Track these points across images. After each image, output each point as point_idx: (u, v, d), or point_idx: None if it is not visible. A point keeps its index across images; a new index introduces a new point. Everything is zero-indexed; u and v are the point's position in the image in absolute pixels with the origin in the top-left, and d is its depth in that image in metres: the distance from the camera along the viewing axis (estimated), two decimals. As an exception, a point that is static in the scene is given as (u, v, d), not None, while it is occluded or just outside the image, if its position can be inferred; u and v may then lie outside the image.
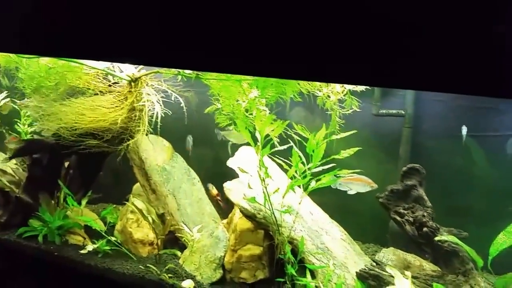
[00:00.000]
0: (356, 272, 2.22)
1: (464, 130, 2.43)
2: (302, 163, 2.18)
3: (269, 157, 2.32)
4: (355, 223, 2.70)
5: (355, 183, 2.33)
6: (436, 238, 2.13)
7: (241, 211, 2.43)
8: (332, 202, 2.66)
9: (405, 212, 2.29)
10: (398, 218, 2.30)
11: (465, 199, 2.53)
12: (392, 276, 2.07)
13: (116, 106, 2.49)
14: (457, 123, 2.53)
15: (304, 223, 2.43)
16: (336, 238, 2.48)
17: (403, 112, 2.53)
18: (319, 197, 2.62)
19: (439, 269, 2.26)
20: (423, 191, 2.31)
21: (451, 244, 2.17)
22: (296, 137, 2.17)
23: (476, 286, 2.12)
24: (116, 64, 2.49)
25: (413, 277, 2.14)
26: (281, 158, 2.25)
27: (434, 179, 2.56)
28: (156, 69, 2.43)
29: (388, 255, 2.47)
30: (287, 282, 2.27)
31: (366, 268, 2.19)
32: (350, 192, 2.36)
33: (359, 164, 2.50)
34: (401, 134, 2.58)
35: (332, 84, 2.10)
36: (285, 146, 2.24)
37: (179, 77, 2.37)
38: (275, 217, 2.29)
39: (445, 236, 2.13)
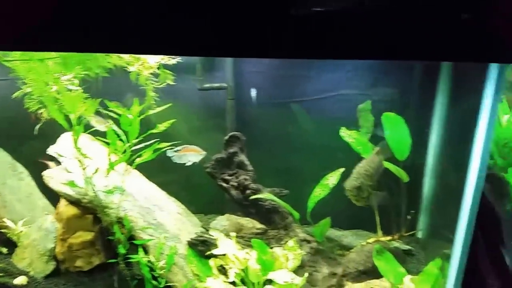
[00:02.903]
0: (187, 241, 2.28)
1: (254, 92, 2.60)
2: (122, 140, 2.15)
3: (101, 140, 2.22)
4: (198, 196, 2.77)
5: (188, 154, 2.38)
6: (252, 197, 2.28)
7: (65, 198, 2.32)
8: (175, 179, 2.69)
9: (230, 178, 2.41)
10: (224, 185, 2.41)
11: (288, 160, 2.74)
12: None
13: None
14: (275, 91, 2.73)
15: (135, 201, 2.41)
16: (172, 212, 2.51)
17: (225, 85, 2.63)
18: (163, 176, 2.64)
19: (265, 227, 2.44)
20: (245, 157, 2.44)
21: (271, 202, 2.35)
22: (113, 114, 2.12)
23: (295, 237, 2.33)
24: None
25: (239, 237, 2.27)
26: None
27: (260, 144, 2.74)
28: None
29: (222, 221, 2.58)
30: (120, 263, 2.24)
31: (195, 236, 2.26)
32: (188, 164, 2.40)
33: (192, 137, 2.56)
34: (226, 106, 2.69)
35: (143, 58, 2.09)
36: (104, 125, 2.18)
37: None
38: (99, 199, 2.23)
39: (262, 194, 2.29)
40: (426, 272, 2.08)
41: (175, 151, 2.31)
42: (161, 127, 2.11)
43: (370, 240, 2.46)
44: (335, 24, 1.33)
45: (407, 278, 2.05)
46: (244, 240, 2.27)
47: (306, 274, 2.09)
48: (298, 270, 2.20)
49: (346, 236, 2.63)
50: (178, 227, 2.42)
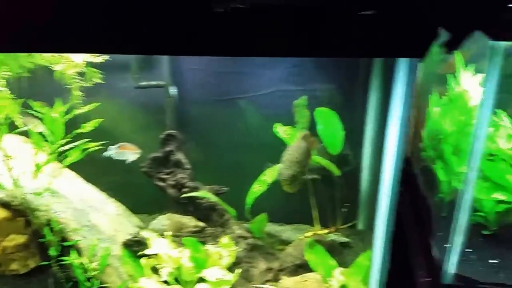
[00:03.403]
0: (122, 242, 2.26)
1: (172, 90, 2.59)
2: (48, 141, 2.10)
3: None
4: (142, 196, 2.73)
5: (126, 153, 2.36)
6: (185, 195, 2.27)
7: (-7, 201, 2.25)
8: (117, 179, 2.66)
9: (167, 177, 2.39)
10: (161, 184, 2.39)
11: (230, 156, 2.75)
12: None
13: None
14: (215, 88, 2.72)
15: (69, 203, 2.36)
16: (109, 214, 2.47)
17: (163, 83, 2.61)
18: (105, 177, 2.60)
19: (203, 224, 2.44)
20: (182, 155, 2.43)
21: (208, 200, 2.35)
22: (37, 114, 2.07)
23: (232, 234, 2.34)
24: None
25: (176, 236, 2.26)
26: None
27: (201, 141, 2.73)
28: None
29: (163, 221, 2.56)
30: (52, 265, 2.20)
31: (130, 237, 2.24)
32: (128, 162, 2.38)
33: (133, 136, 2.53)
34: (165, 104, 2.66)
35: (66, 56, 2.04)
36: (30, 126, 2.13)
37: None
38: (28, 201, 2.18)
39: (197, 192, 2.28)
40: (357, 264, 2.12)
41: (114, 148, 2.30)
42: (88, 126, 2.07)
43: (308, 234, 2.49)
44: (255, 21, 1.34)
45: (338, 271, 2.09)
46: (180, 238, 2.26)
47: (239, 270, 2.10)
48: (234, 267, 2.22)
49: (286, 231, 2.66)
50: (114, 228, 2.39)
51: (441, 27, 1.46)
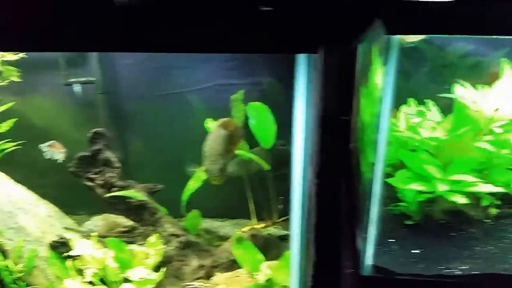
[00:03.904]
0: (49, 243, 2.22)
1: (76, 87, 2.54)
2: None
3: None
4: (81, 197, 2.68)
5: (55, 151, 2.32)
6: (109, 195, 2.24)
7: None
8: (53, 181, 2.61)
9: (95, 176, 2.35)
10: (90, 184, 2.35)
11: (166, 153, 2.71)
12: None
13: None
14: (151, 83, 2.68)
15: (-6, 206, 2.31)
16: (39, 215, 2.42)
17: (93, 79, 2.56)
18: (39, 178, 2.55)
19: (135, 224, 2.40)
20: (111, 153, 2.39)
21: (138, 199, 2.31)
22: None
23: (163, 232, 2.31)
24: None
25: (103, 236, 2.23)
26: None
27: (136, 138, 2.69)
28: None
29: (97, 221, 2.52)
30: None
31: (57, 238, 2.20)
32: (59, 161, 2.34)
33: (69, 133, 2.47)
34: (96, 100, 2.61)
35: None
36: None
37: None
38: None
39: (124, 192, 2.25)
40: (285, 257, 2.11)
41: (44, 147, 2.26)
42: (4, 127, 2.01)
43: (245, 229, 2.49)
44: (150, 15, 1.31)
45: (265, 265, 2.09)
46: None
47: (164, 269, 2.08)
48: (164, 265, 2.19)
49: (224, 227, 2.65)
50: (43, 229, 2.34)
51: (337, 21, 1.45)
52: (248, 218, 2.76)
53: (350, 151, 1.84)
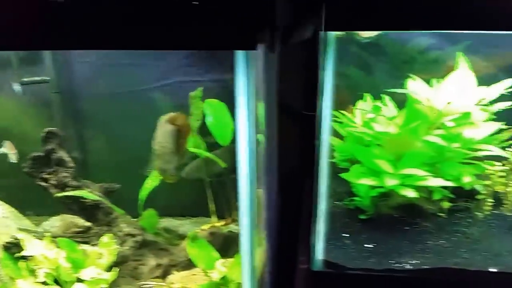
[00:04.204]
0: (1, 244, 2.18)
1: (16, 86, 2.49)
2: None
3: None
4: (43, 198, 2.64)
5: (8, 152, 2.29)
6: (60, 194, 2.21)
7: None
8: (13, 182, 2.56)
9: (49, 176, 2.31)
10: (44, 184, 2.31)
11: (125, 152, 2.68)
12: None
13: None
14: (109, 81, 2.64)
15: None
16: (-7, 217, 2.38)
17: (48, 78, 2.51)
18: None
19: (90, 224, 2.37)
20: (64, 153, 2.35)
21: (92, 199, 2.28)
22: None
23: (119, 232, 2.29)
24: None
25: (56, 236, 2.19)
26: None
27: (95, 137, 2.65)
28: None
29: (55, 221, 2.48)
30: None
31: (11, 239, 2.16)
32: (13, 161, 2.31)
33: (25, 133, 2.42)
34: (51, 100, 2.57)
35: None
36: None
37: None
38: None
39: (76, 192, 2.22)
40: (240, 255, 2.10)
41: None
42: None
43: (205, 227, 2.47)
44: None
45: (219, 263, 2.07)
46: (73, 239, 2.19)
47: (117, 269, 2.05)
48: (120, 265, 2.17)
49: (185, 225, 2.63)
50: (-6, 231, 2.30)
51: (271, 18, 1.43)
52: (209, 216, 2.74)
53: (313, 147, 1.84)
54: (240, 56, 1.51)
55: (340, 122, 2.21)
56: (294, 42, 1.52)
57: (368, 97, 2.34)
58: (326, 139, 1.66)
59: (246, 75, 1.53)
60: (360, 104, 2.33)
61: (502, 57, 2.48)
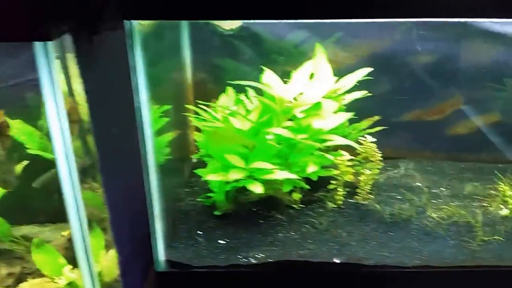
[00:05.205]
0: None
1: None
2: None
3: None
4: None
5: None
6: None
7: None
8: None
9: None
10: None
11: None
12: None
13: None
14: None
15: None
16: None
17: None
18: None
19: None
20: None
21: None
22: None
23: None
24: None
25: None
26: None
27: None
28: None
29: None
30: None
31: None
32: None
33: None
34: None
35: None
36: None
37: None
38: None
39: None
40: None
41: None
42: None
43: (65, 233, 2.33)
44: None
45: (67, 269, 1.96)
46: None
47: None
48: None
49: (45, 232, 2.47)
50: None
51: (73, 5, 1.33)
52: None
53: (134, 143, 1.74)
54: (39, 48, 1.40)
55: (198, 117, 2.16)
56: (103, 32, 1.42)
57: (230, 90, 2.30)
58: (148, 134, 1.58)
59: (49, 69, 1.42)
60: (222, 98, 2.29)
61: (371, 46, 2.53)
